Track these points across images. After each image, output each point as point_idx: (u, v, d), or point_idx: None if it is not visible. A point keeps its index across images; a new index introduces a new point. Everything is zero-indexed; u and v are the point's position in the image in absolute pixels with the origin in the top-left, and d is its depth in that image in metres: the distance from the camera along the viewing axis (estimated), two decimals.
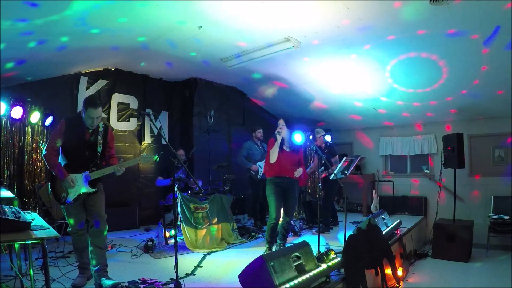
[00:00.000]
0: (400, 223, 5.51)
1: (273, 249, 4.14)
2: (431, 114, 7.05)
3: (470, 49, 4.87)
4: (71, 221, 3.23)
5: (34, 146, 5.11)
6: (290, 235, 5.13)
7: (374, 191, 7.32)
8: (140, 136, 6.67)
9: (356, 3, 3.96)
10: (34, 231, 2.32)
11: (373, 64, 5.63)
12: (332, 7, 4.07)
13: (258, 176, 6.03)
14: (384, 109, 7.21)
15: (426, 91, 6.14)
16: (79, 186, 3.13)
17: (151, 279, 3.23)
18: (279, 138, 4.08)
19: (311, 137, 5.83)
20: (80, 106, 4.72)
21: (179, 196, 4.81)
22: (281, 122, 4.21)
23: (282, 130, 4.13)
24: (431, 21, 4.31)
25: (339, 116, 7.97)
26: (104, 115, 6.05)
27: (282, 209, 4.26)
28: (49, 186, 3.22)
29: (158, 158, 3.36)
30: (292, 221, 5.44)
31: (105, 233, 3.24)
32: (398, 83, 6.13)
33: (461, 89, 5.95)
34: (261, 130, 6.25)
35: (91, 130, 3.21)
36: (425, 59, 5.23)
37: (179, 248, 3.34)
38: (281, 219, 4.24)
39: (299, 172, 4.09)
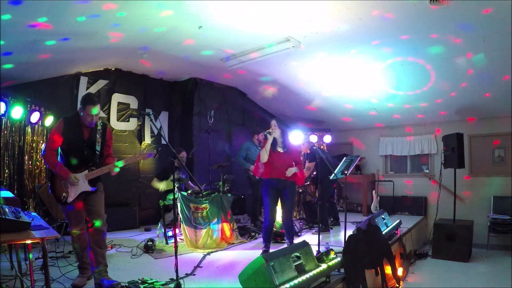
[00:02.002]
0: (400, 223, 5.51)
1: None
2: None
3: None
4: (71, 221, 3.22)
5: (34, 146, 5.11)
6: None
7: (374, 191, 7.33)
8: (140, 136, 6.67)
9: (356, 3, 3.96)
10: (34, 231, 2.32)
11: (372, 65, 5.65)
12: (332, 7, 4.07)
13: (256, 177, 6.04)
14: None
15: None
16: (80, 185, 3.13)
17: (151, 279, 3.23)
18: (270, 138, 4.06)
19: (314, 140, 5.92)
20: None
21: (179, 196, 4.81)
22: (273, 123, 4.20)
23: (275, 131, 4.12)
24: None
25: (339, 116, 7.99)
26: (104, 115, 6.05)
27: (278, 211, 4.26)
28: (49, 186, 3.22)
29: (157, 154, 3.38)
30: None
31: (105, 233, 3.24)
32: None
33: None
34: (263, 134, 6.27)
35: (89, 129, 3.22)
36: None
37: (179, 248, 3.34)
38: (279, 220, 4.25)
39: (290, 171, 4.08)
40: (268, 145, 4.06)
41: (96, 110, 3.13)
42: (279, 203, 4.27)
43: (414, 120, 7.43)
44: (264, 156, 4.06)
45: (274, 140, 4.13)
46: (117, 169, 3.23)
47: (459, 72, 5.42)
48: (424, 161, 7.68)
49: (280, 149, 4.18)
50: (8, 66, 4.54)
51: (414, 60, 5.32)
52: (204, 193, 5.24)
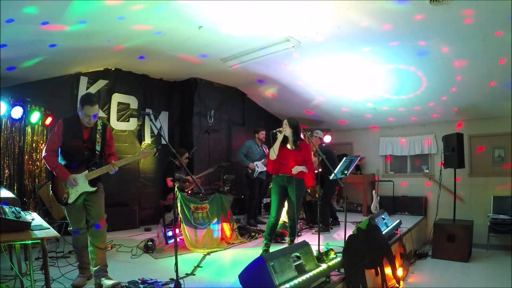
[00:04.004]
0: (400, 223, 5.51)
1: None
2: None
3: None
4: (72, 221, 3.23)
5: (34, 146, 5.10)
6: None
7: (374, 191, 7.33)
8: (140, 136, 6.67)
9: (356, 3, 3.96)
10: (34, 231, 2.32)
11: (372, 65, 5.65)
12: (332, 7, 4.07)
13: (254, 175, 6.15)
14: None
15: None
16: (80, 186, 3.13)
17: (151, 279, 3.23)
18: (280, 136, 4.11)
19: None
20: None
21: (179, 196, 4.81)
22: (284, 122, 4.23)
23: (285, 130, 4.15)
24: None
25: (338, 117, 7.99)
26: (104, 115, 6.05)
27: (284, 208, 4.27)
28: (50, 186, 3.22)
29: (157, 153, 3.39)
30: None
31: (105, 233, 3.24)
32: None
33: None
34: (264, 132, 6.37)
35: (89, 129, 3.21)
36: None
37: (179, 248, 3.34)
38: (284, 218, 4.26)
39: (296, 169, 4.08)
40: (277, 144, 4.10)
41: (93, 110, 3.11)
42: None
43: (412, 121, 7.46)
44: (272, 154, 4.10)
45: (285, 137, 4.17)
46: (115, 170, 3.23)
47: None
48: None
49: (289, 146, 4.20)
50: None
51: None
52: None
